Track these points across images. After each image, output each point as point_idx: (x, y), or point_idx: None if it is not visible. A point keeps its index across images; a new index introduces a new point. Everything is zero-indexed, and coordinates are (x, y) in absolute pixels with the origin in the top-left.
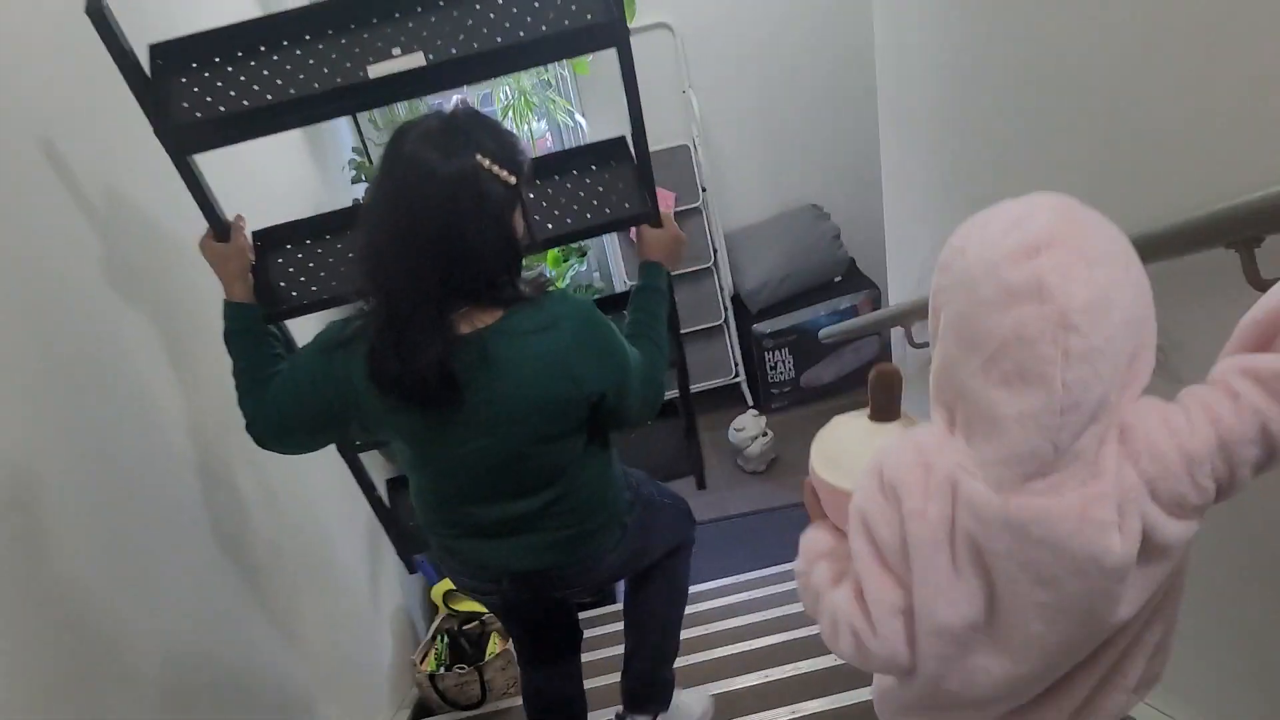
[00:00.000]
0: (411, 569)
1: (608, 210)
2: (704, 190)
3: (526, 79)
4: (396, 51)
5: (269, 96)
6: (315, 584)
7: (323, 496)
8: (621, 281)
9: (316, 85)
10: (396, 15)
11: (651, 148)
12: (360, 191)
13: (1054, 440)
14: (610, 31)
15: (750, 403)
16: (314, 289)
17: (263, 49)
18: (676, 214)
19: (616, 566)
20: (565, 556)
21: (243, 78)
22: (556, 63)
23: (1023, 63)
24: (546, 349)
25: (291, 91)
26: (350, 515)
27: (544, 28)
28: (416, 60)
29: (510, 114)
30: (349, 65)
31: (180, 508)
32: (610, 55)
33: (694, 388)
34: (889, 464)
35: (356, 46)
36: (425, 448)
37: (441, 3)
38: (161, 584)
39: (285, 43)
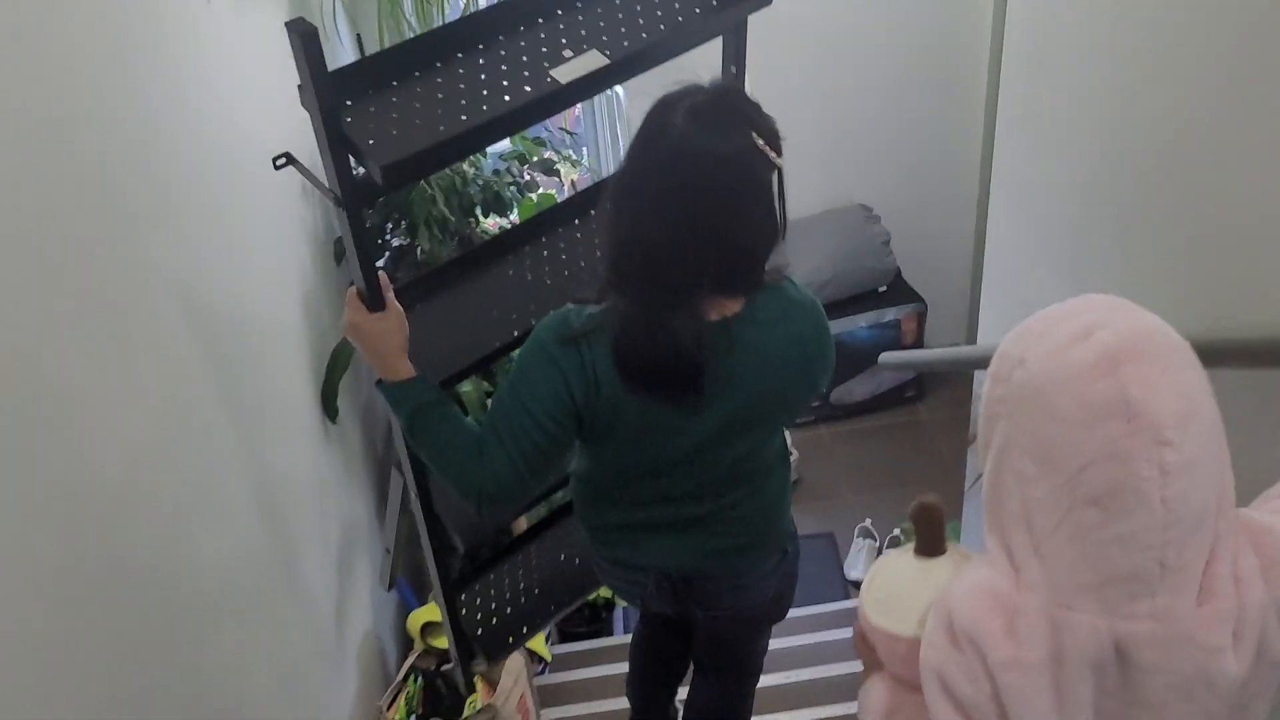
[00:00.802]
0: (391, 584)
1: None
2: None
3: None
4: (568, 54)
5: (463, 117)
6: (270, 618)
7: (290, 508)
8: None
9: (506, 98)
10: (542, 20)
11: None
12: None
13: (1159, 559)
14: None
15: None
16: (472, 334)
17: (438, 65)
18: None
19: (761, 600)
20: (723, 566)
21: (422, 101)
22: None
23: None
24: (789, 338)
25: (484, 108)
26: (319, 526)
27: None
28: (597, 60)
29: None
30: (527, 74)
31: (102, 544)
32: None
33: None
34: (959, 613)
35: (524, 55)
36: (653, 437)
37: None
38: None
39: (460, 54)
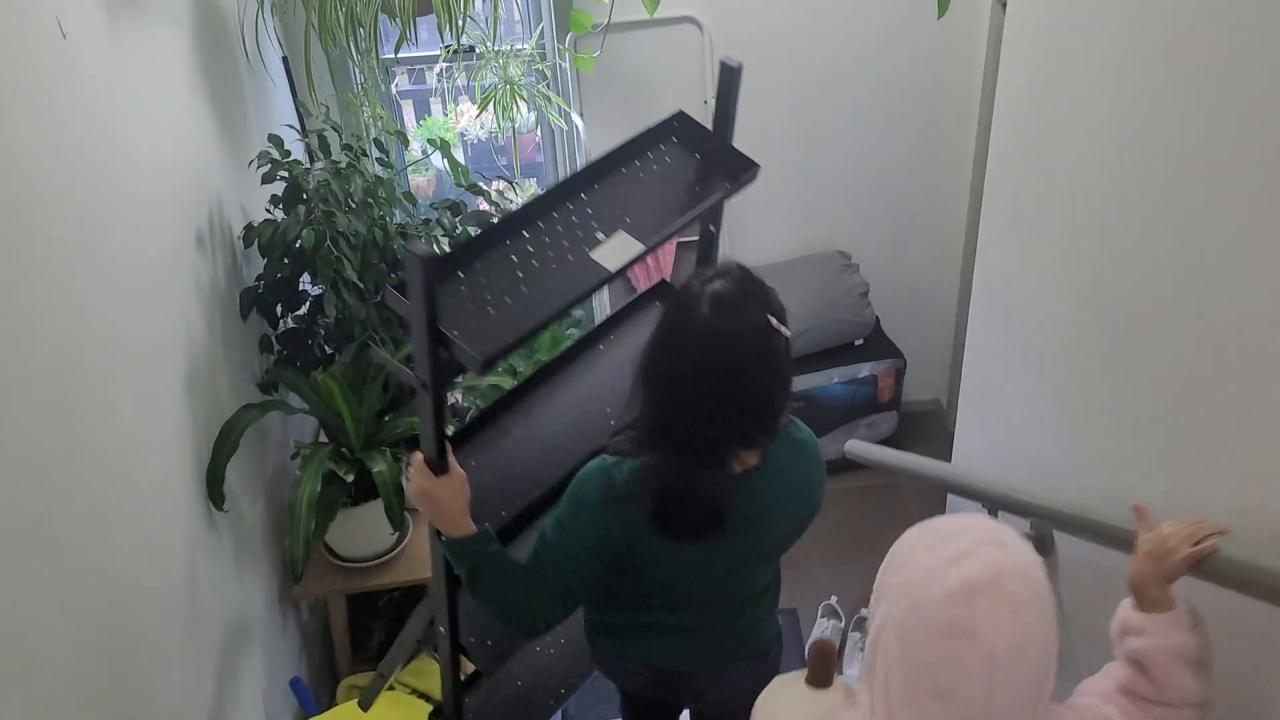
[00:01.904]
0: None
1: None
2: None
3: (515, 67)
4: (601, 236)
5: (533, 301)
6: None
7: (153, 616)
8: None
9: (561, 280)
10: (571, 205)
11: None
12: (271, 192)
13: None
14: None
15: None
16: (521, 482)
17: (488, 252)
18: (680, 243)
19: (744, 694)
20: (714, 667)
21: (488, 290)
22: (556, 54)
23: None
24: (798, 477)
25: (546, 289)
26: (194, 630)
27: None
28: (633, 246)
29: (494, 106)
30: (570, 258)
31: None
32: (620, 54)
33: None
34: None
35: (566, 239)
36: (677, 572)
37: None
38: None
39: (506, 241)
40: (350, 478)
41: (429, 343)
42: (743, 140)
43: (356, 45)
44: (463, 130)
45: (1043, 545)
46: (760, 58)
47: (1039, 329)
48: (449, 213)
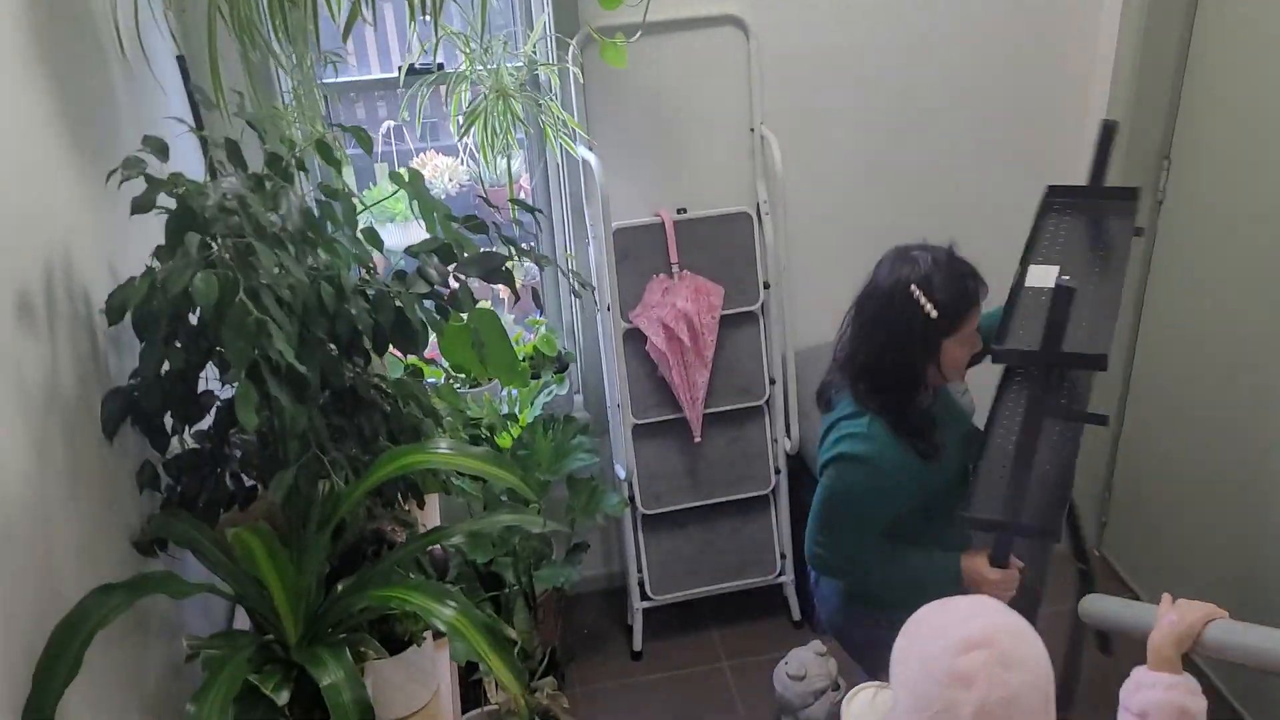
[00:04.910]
0: None
1: None
2: (766, 287)
3: (509, 74)
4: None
5: None
6: None
7: None
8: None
9: None
10: None
11: (698, 212)
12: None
13: None
14: None
15: (799, 618)
16: None
17: None
18: (724, 317)
19: None
20: None
21: None
22: (561, 60)
23: None
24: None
25: None
26: None
27: None
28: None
29: (480, 128)
30: None
31: None
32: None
33: (719, 588)
34: None
35: None
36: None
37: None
38: None
39: None
40: (283, 695)
41: None
42: (800, 181)
43: (288, 33)
44: (430, 185)
45: None
46: (828, 72)
47: None
48: (436, 258)
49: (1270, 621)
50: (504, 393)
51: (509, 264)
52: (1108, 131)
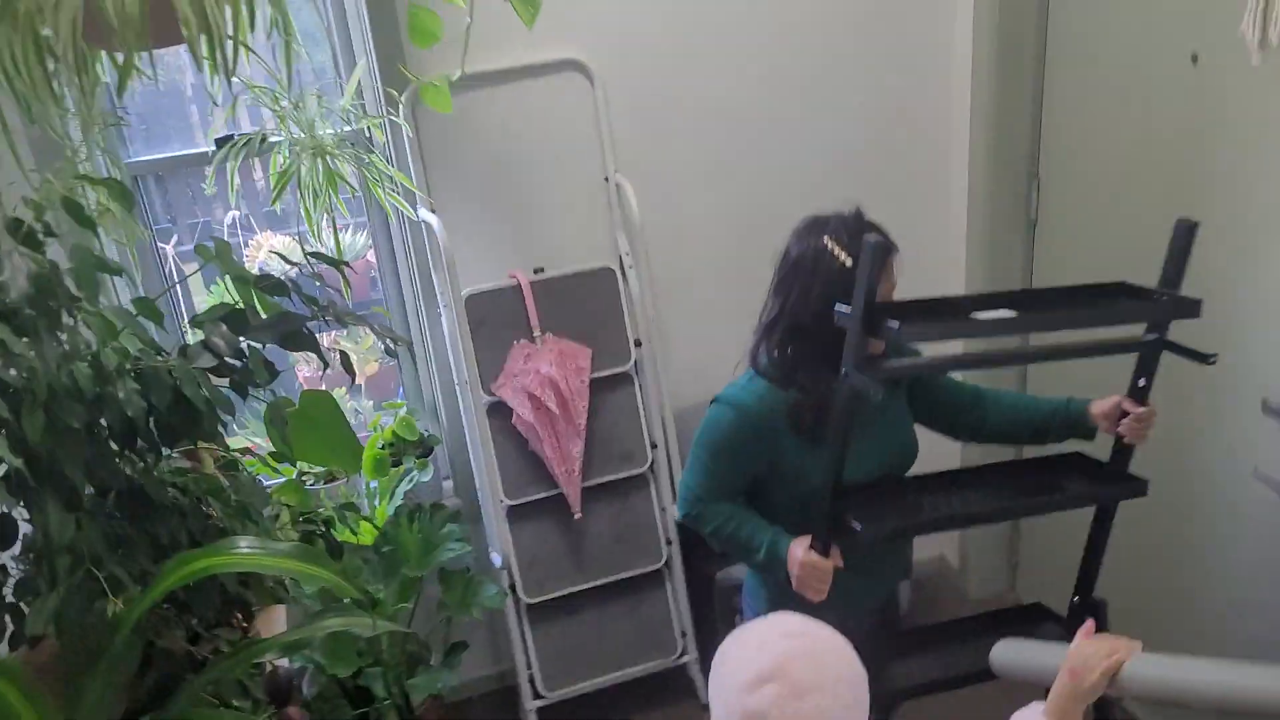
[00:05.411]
0: None
1: None
2: (637, 345)
3: (324, 127)
4: None
5: None
6: None
7: None
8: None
9: None
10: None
11: (556, 271)
12: None
13: None
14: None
15: (707, 700)
16: None
17: None
18: (595, 380)
19: None
20: None
21: None
22: (392, 104)
23: None
24: None
25: None
26: None
27: None
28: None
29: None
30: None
31: None
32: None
33: (617, 676)
34: None
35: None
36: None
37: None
38: None
39: None
40: None
41: None
42: (663, 232)
43: (46, 83)
44: (261, 266)
45: None
46: (683, 113)
47: None
48: (224, 325)
49: (1204, 626)
50: (364, 485)
51: (340, 337)
52: (1182, 232)
